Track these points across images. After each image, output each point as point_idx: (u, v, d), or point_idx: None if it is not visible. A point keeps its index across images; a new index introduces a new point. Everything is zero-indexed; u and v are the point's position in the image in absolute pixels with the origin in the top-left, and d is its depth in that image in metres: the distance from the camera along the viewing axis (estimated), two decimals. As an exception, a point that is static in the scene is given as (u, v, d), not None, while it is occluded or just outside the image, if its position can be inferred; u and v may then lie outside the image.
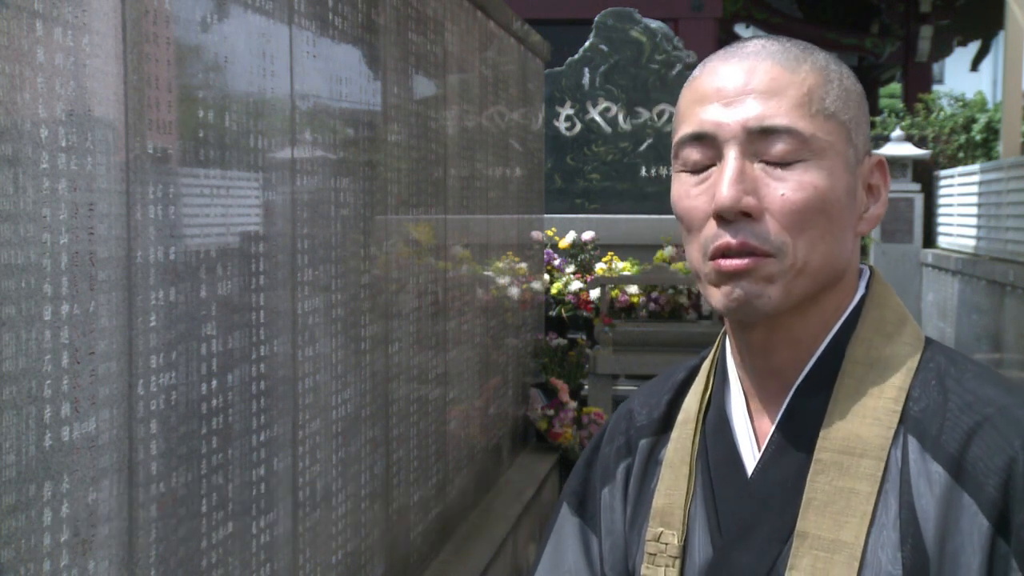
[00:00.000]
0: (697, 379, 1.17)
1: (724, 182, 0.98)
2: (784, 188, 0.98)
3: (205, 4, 1.89)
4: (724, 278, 1.00)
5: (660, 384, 1.23)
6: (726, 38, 12.58)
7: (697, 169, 1.02)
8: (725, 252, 0.99)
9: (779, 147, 0.98)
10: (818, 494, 0.99)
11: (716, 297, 1.02)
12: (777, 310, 1.00)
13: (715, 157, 1.01)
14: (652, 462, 1.16)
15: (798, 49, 1.02)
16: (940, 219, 11.82)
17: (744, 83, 1.00)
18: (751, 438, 1.08)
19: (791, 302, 1.00)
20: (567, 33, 8.65)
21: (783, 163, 0.98)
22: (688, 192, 1.03)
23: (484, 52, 4.28)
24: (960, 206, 10.78)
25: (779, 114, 0.98)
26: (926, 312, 11.29)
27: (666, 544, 1.09)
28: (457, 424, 3.86)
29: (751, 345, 1.07)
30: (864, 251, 12.22)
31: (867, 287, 1.09)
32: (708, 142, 1.01)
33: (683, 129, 1.03)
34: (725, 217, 0.98)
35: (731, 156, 0.99)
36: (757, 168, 0.98)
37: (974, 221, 10.07)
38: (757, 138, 0.98)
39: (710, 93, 1.01)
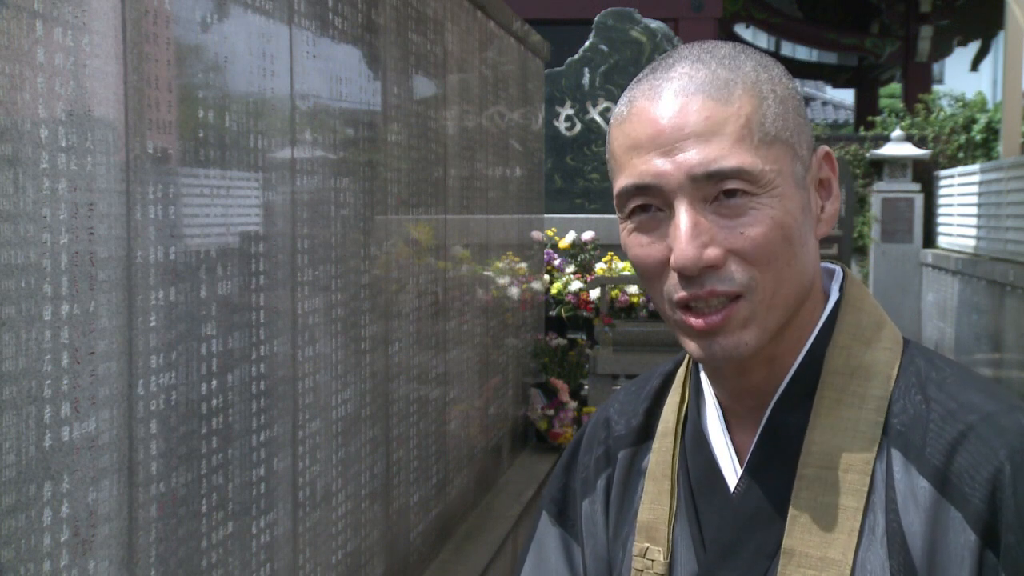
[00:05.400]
0: (673, 388, 1.14)
1: (681, 240, 0.93)
2: (742, 226, 0.94)
3: (205, 4, 1.89)
4: (697, 335, 0.97)
5: (636, 392, 1.20)
6: (726, 38, 12.56)
7: (645, 216, 0.98)
8: (693, 302, 0.95)
9: (728, 187, 0.94)
10: (804, 510, 0.97)
11: (691, 348, 0.99)
12: (756, 351, 0.97)
13: (662, 203, 0.96)
14: (634, 473, 1.14)
15: (724, 69, 0.97)
16: (940, 219, 11.82)
17: (679, 126, 0.94)
18: (731, 454, 1.05)
19: (768, 337, 0.97)
20: (567, 33, 8.64)
21: (736, 202, 0.94)
22: (639, 241, 0.98)
23: (484, 52, 4.27)
24: (960, 206, 10.78)
25: (723, 155, 0.93)
26: (926, 312, 11.29)
27: (652, 560, 1.07)
28: (457, 424, 3.86)
29: (724, 373, 1.05)
30: (864, 251, 12.22)
31: (840, 290, 1.06)
32: (652, 192, 0.96)
33: (623, 180, 0.98)
34: (687, 275, 0.94)
35: (682, 210, 0.94)
36: (709, 213, 0.94)
37: (974, 221, 10.08)
38: (704, 184, 0.94)
39: (644, 141, 0.96)
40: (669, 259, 0.96)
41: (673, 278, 0.96)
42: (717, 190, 0.94)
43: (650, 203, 0.97)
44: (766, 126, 0.96)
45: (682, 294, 0.96)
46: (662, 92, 0.97)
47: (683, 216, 0.94)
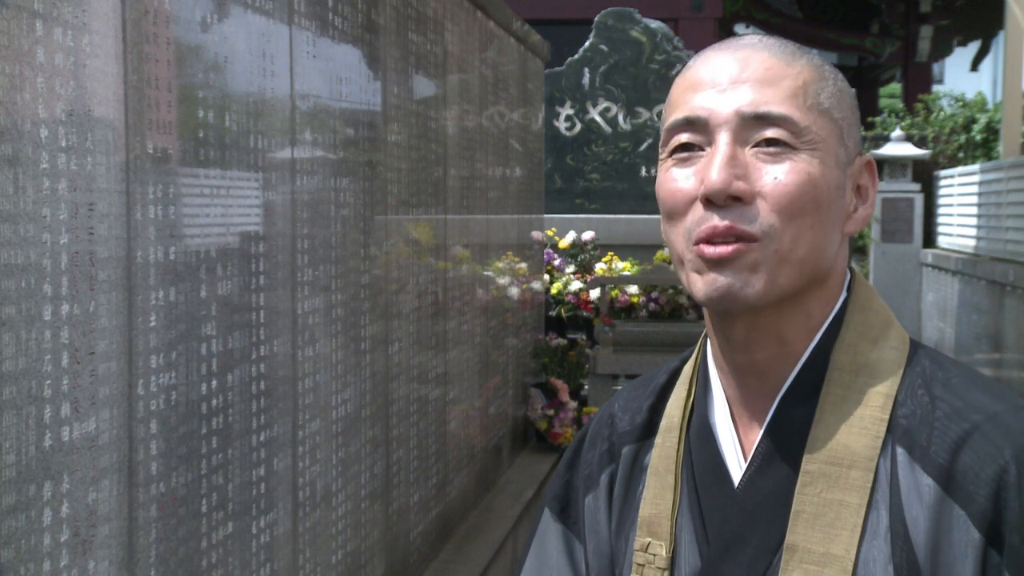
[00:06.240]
0: (679, 384, 1.15)
1: (715, 166, 0.96)
2: (777, 172, 0.96)
3: (205, 4, 1.89)
4: (707, 266, 0.98)
5: (641, 388, 1.21)
6: (726, 38, 12.57)
7: (686, 155, 1.00)
8: (711, 237, 0.97)
9: (772, 134, 0.97)
10: (807, 506, 0.97)
11: (698, 285, 0.99)
12: (760, 301, 0.98)
13: (705, 143, 0.99)
14: (637, 469, 1.14)
15: (794, 46, 1.03)
16: (940, 219, 11.82)
17: (739, 71, 0.99)
18: (736, 448, 1.06)
19: (775, 293, 0.98)
20: (567, 33, 8.65)
21: (775, 151, 0.97)
22: (674, 176, 1.01)
23: (484, 52, 4.28)
24: (960, 206, 10.78)
25: (774, 102, 0.97)
26: (926, 312, 11.29)
27: (654, 555, 1.07)
28: (457, 424, 3.86)
29: (732, 340, 1.05)
30: (864, 251, 12.22)
31: (849, 290, 1.07)
32: (699, 127, 0.99)
33: (675, 115, 1.02)
34: (714, 201, 0.96)
35: (723, 140, 0.97)
36: (748, 154, 0.97)
37: (974, 221, 10.07)
38: (750, 125, 0.97)
39: (704, 81, 1.00)
40: (698, 195, 0.98)
41: (697, 213, 0.98)
42: (760, 135, 0.97)
43: (694, 141, 1.00)
44: (820, 97, 1.00)
45: (704, 226, 0.97)
46: (731, 46, 1.03)
47: (722, 146, 0.97)
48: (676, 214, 1.01)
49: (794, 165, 0.97)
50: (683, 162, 1.01)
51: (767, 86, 0.98)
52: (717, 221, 0.96)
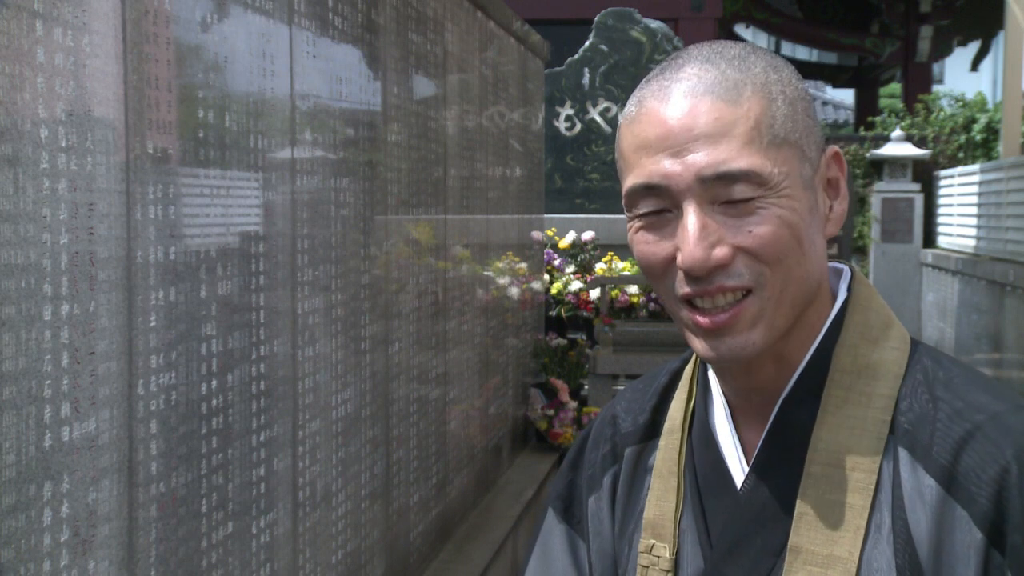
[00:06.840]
0: (680, 386, 1.15)
1: (690, 241, 0.94)
2: (750, 225, 0.94)
3: (205, 4, 1.89)
4: (703, 333, 0.97)
5: (643, 389, 1.21)
6: (726, 38, 12.56)
7: (653, 218, 0.98)
8: (699, 299, 0.96)
9: (737, 189, 0.94)
10: (810, 508, 0.97)
11: (698, 347, 0.99)
12: (764, 351, 0.98)
13: (671, 205, 0.97)
14: (640, 470, 1.15)
15: (734, 70, 0.97)
16: (940, 219, 11.82)
17: (688, 127, 0.95)
18: (738, 450, 1.06)
19: (776, 337, 0.98)
20: (567, 33, 8.65)
21: (744, 203, 0.94)
22: (646, 238, 0.99)
23: (484, 52, 4.28)
24: (960, 206, 10.79)
25: (732, 157, 0.93)
26: (926, 312, 11.29)
27: (658, 557, 1.07)
28: (457, 424, 3.86)
29: (731, 369, 1.05)
30: (864, 251, 12.22)
31: (849, 290, 1.06)
32: (661, 193, 0.96)
33: (632, 179, 0.99)
34: (696, 276, 0.95)
35: (690, 212, 0.95)
36: (718, 214, 0.95)
37: (974, 221, 10.08)
38: (713, 185, 0.94)
39: (653, 141, 0.96)
40: (675, 257, 0.96)
41: (680, 274, 0.97)
42: (726, 191, 0.94)
43: (658, 205, 0.97)
44: (775, 128, 0.96)
45: (687, 290, 0.96)
46: (671, 92, 0.97)
47: (691, 217, 0.95)
48: (656, 276, 1.00)
49: (766, 213, 0.95)
50: (652, 226, 0.99)
51: (720, 139, 0.94)
52: (706, 286, 0.95)
